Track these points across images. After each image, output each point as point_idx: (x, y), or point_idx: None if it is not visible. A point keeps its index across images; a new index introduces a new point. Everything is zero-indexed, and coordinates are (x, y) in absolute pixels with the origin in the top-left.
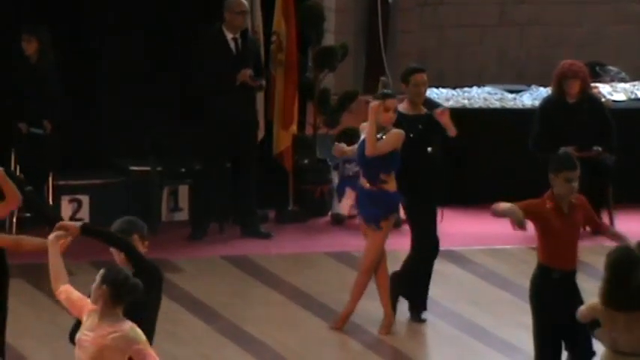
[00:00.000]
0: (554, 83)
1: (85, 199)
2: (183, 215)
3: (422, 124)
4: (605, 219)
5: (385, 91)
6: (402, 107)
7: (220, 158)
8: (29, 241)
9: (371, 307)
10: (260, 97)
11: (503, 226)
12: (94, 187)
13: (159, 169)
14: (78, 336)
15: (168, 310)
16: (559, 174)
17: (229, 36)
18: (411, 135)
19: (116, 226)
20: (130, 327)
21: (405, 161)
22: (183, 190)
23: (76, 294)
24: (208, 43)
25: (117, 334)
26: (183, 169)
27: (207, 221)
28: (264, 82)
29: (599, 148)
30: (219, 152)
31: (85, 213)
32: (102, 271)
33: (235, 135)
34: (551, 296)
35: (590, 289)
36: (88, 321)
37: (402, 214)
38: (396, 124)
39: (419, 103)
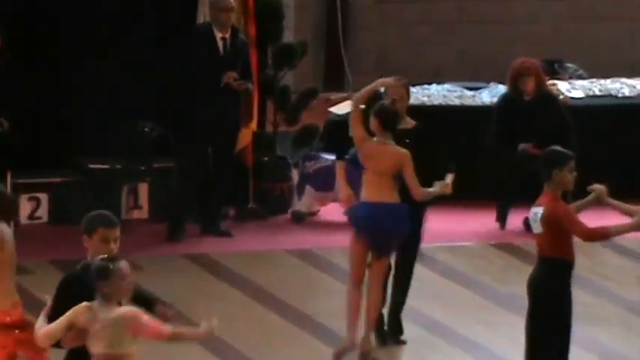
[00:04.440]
0: (509, 81)
1: (43, 198)
2: (143, 213)
3: (409, 138)
4: None
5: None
6: None
7: (201, 157)
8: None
9: (334, 307)
10: None
11: (462, 223)
12: (53, 186)
13: (118, 167)
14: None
15: None
16: (564, 167)
17: (218, 35)
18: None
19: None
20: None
21: None
22: (143, 188)
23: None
24: (196, 41)
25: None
26: (143, 168)
27: (184, 221)
28: (250, 86)
29: (558, 146)
30: (200, 152)
31: (43, 211)
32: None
33: (215, 135)
34: (565, 291)
35: None
36: (90, 315)
37: None
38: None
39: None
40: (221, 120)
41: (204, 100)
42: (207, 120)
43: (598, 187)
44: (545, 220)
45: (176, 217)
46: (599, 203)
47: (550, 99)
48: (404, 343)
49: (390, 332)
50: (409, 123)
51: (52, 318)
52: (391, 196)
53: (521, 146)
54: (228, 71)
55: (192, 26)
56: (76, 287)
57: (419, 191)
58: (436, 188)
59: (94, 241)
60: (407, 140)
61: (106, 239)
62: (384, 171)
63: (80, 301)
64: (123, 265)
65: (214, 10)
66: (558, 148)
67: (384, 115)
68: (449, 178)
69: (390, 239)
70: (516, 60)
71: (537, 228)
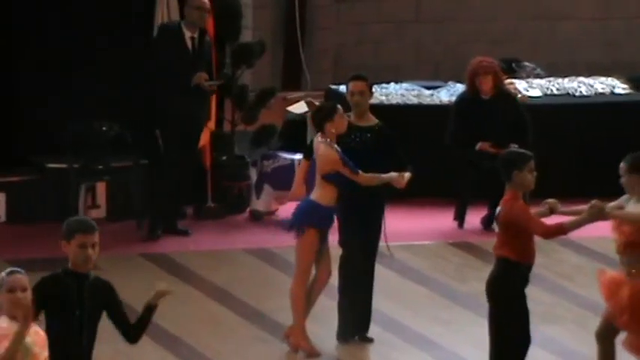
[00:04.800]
0: (467, 80)
1: (1, 197)
2: (100, 212)
3: (370, 133)
4: None
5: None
6: (352, 116)
7: (173, 155)
8: None
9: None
10: None
11: (421, 222)
12: (11, 185)
13: (76, 166)
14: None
15: None
16: (524, 166)
17: (187, 34)
18: (358, 145)
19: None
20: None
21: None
22: (101, 187)
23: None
24: (164, 40)
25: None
26: (100, 167)
27: (160, 220)
28: (215, 85)
29: (516, 145)
30: (172, 150)
31: (1, 211)
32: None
33: (184, 135)
34: (522, 291)
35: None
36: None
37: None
38: (346, 134)
39: (358, 113)
40: (190, 119)
41: (173, 99)
42: (177, 119)
43: (551, 201)
44: (502, 219)
45: (153, 215)
46: (552, 214)
47: (508, 98)
48: (370, 340)
49: (355, 330)
50: (371, 120)
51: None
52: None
53: (479, 145)
54: (199, 72)
55: (160, 25)
56: (51, 290)
57: (361, 177)
58: (391, 175)
59: (72, 246)
60: (368, 135)
61: (84, 245)
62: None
63: (56, 303)
64: (15, 278)
65: (189, 7)
66: (517, 149)
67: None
68: (407, 174)
69: None
70: (474, 59)
71: (496, 227)
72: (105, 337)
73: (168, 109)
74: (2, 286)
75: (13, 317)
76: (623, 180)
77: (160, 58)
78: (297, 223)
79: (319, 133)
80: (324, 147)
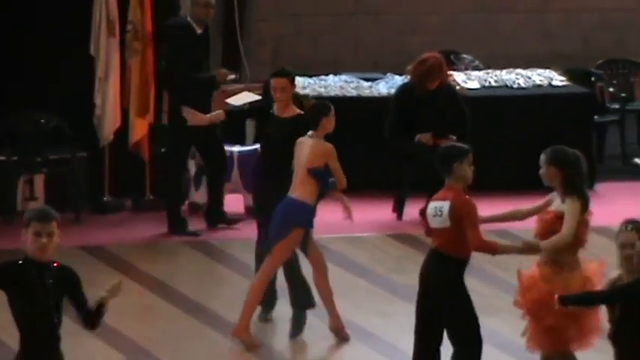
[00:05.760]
0: (414, 78)
1: None
2: (38, 204)
3: (290, 124)
4: None
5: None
6: (275, 109)
7: (184, 150)
8: None
9: (230, 298)
10: (116, 86)
11: (360, 215)
12: None
13: (14, 158)
14: None
15: None
16: (464, 160)
17: (198, 31)
18: (278, 136)
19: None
20: None
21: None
22: (39, 180)
23: None
24: (181, 39)
25: None
26: (39, 159)
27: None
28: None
29: (454, 137)
30: (184, 143)
31: None
32: None
33: (199, 128)
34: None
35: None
36: None
37: None
38: (267, 124)
39: (281, 106)
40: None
41: (193, 95)
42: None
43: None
44: (453, 215)
45: (176, 209)
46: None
47: (449, 90)
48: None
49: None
50: (293, 111)
51: None
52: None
53: (418, 137)
54: (221, 70)
55: (171, 23)
56: (12, 275)
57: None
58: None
59: (28, 233)
60: (289, 126)
61: (38, 233)
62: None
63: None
64: None
65: (197, 5)
66: (455, 142)
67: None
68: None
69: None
70: (427, 59)
71: (441, 222)
72: None
73: (190, 104)
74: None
75: None
76: (541, 171)
77: (179, 56)
78: (285, 225)
79: (310, 132)
80: (315, 141)
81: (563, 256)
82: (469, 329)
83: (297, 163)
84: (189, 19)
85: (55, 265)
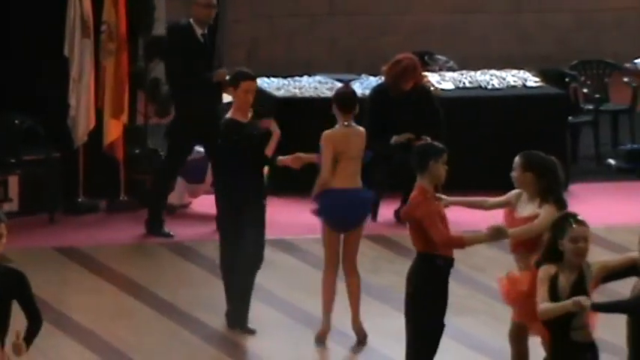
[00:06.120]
0: (389, 79)
1: None
2: (12, 206)
3: (256, 131)
4: None
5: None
6: (236, 114)
7: (186, 149)
8: None
9: (205, 298)
10: (90, 86)
11: None
12: None
13: None
14: None
15: None
16: (439, 159)
17: (199, 32)
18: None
19: None
20: None
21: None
22: (13, 181)
23: None
24: (179, 40)
25: None
26: (13, 160)
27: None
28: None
29: (428, 138)
30: (185, 144)
31: None
32: None
33: (201, 128)
34: (441, 284)
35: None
36: None
37: None
38: (232, 132)
39: (247, 110)
40: (209, 115)
41: (193, 97)
42: (199, 115)
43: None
44: (406, 217)
45: (155, 209)
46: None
47: (423, 91)
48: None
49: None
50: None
51: None
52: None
53: (395, 139)
54: (211, 67)
55: (169, 26)
56: None
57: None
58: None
59: None
60: (254, 133)
61: None
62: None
63: None
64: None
65: (197, 5)
66: (431, 142)
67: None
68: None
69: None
70: (399, 59)
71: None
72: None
73: (192, 105)
74: None
75: None
76: (514, 174)
77: (175, 58)
78: (365, 217)
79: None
80: (358, 128)
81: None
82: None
83: (347, 154)
84: (191, 20)
85: (3, 266)
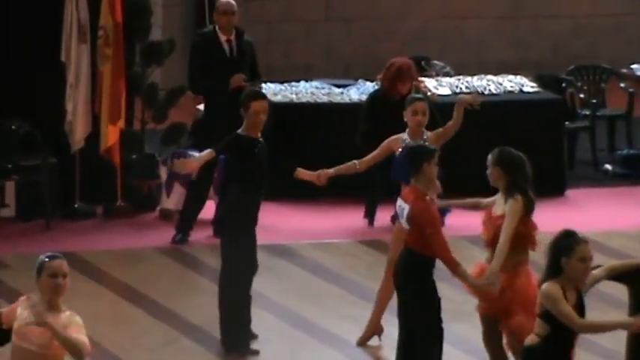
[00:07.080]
0: (385, 82)
1: None
2: (9, 212)
3: (258, 149)
4: None
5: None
6: (247, 132)
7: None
8: None
9: (201, 304)
10: (87, 92)
11: (332, 221)
12: None
13: None
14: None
15: None
16: (432, 160)
17: (223, 38)
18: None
19: None
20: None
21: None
22: (10, 186)
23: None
24: (201, 45)
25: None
26: (9, 165)
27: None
28: (260, 86)
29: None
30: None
31: None
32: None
33: (224, 131)
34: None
35: None
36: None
37: None
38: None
39: (259, 129)
40: (233, 123)
41: (215, 103)
42: (220, 123)
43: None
44: (412, 220)
45: (186, 217)
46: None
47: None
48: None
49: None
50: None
51: None
52: None
53: None
54: (236, 74)
55: (195, 32)
56: None
57: None
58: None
59: None
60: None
61: None
62: None
63: None
64: (58, 263)
65: (217, 13)
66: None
67: None
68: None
69: None
70: (395, 62)
71: (404, 223)
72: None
73: (213, 113)
74: (43, 271)
75: (49, 303)
76: (488, 172)
77: (198, 65)
78: None
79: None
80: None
81: (512, 257)
82: (425, 328)
83: None
84: (216, 27)
85: None
